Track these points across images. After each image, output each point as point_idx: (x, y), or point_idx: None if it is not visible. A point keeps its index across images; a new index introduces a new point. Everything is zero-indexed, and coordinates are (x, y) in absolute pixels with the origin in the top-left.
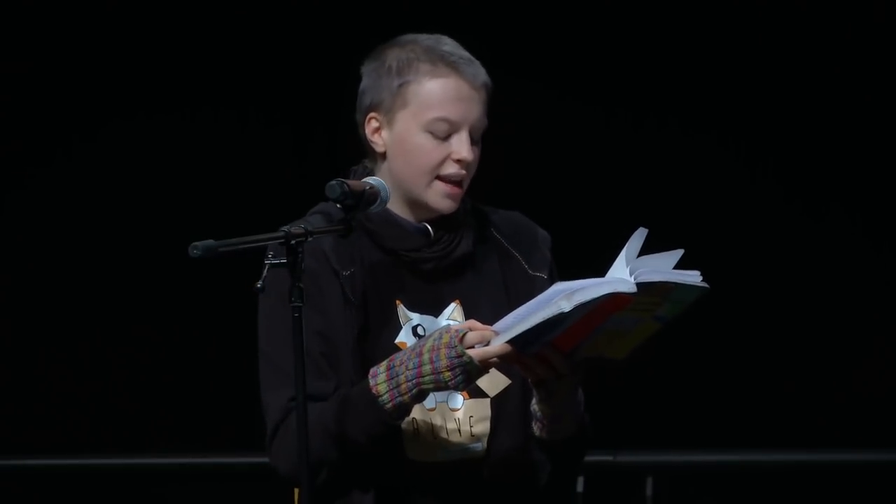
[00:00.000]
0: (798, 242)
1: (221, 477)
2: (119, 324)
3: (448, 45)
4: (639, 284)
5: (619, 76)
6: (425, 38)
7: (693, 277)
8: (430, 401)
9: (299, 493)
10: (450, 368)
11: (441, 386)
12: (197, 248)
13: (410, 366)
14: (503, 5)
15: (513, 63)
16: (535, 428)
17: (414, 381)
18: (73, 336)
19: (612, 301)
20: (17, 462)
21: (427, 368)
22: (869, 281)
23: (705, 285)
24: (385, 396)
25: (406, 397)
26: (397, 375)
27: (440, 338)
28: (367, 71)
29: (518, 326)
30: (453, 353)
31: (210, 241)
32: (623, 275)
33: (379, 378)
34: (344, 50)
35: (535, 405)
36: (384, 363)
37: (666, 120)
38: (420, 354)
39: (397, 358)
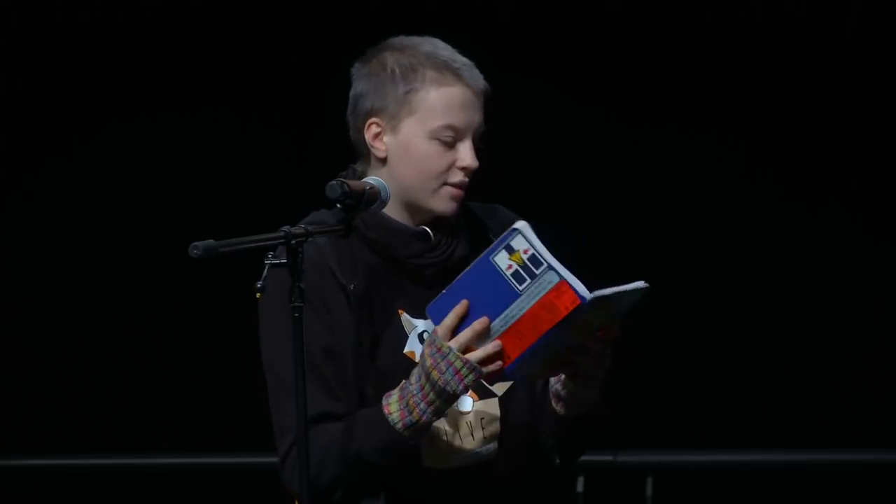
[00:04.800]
0: (798, 242)
1: (221, 477)
2: (119, 324)
3: (446, 49)
4: (593, 299)
5: (619, 76)
6: (420, 42)
7: (635, 285)
8: None
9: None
10: (459, 382)
11: (453, 400)
12: (197, 248)
13: (420, 398)
14: (503, 4)
15: (513, 62)
16: (557, 406)
17: (429, 410)
18: (73, 336)
19: (562, 298)
20: (17, 462)
21: (433, 395)
22: (869, 281)
23: (644, 285)
24: (406, 433)
25: (424, 426)
26: (411, 411)
27: (441, 357)
28: (364, 74)
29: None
30: (464, 370)
31: (210, 241)
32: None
33: (393, 417)
34: (344, 51)
35: (555, 385)
36: (395, 397)
37: (665, 121)
38: (422, 388)
39: (406, 390)
